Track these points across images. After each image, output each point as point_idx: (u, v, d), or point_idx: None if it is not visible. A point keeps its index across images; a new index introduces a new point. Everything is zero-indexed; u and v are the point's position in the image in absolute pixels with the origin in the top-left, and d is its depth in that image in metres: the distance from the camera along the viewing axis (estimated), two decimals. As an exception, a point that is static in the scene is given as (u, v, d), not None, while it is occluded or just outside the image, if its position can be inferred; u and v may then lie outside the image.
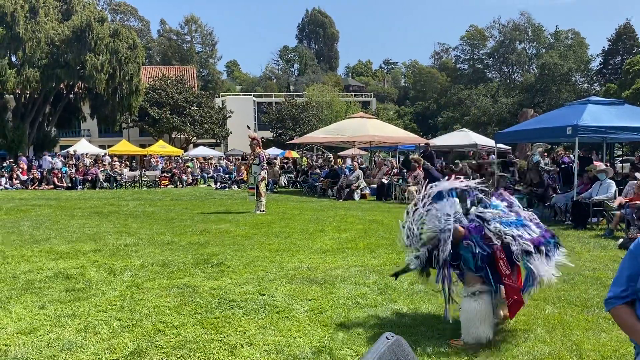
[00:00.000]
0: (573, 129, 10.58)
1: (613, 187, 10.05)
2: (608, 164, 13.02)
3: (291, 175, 23.96)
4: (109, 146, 35.30)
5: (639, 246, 2.32)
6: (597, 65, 59.33)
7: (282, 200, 16.21)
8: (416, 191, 15.31)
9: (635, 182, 9.59)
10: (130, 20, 72.28)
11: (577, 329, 4.10)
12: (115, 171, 22.93)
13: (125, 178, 23.14)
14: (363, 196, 16.79)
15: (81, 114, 34.53)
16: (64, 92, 31.38)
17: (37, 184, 21.84)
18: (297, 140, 27.95)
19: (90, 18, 27.38)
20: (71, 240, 8.31)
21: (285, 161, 28.93)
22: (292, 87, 79.86)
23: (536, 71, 59.66)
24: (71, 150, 29.24)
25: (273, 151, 36.12)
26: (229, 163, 28.50)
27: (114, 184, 22.20)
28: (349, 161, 20.27)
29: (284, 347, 3.78)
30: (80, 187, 21.71)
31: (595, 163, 11.68)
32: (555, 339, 3.89)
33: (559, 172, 13.47)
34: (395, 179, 16.83)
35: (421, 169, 16.52)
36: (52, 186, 21.62)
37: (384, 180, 17.07)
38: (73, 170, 22.93)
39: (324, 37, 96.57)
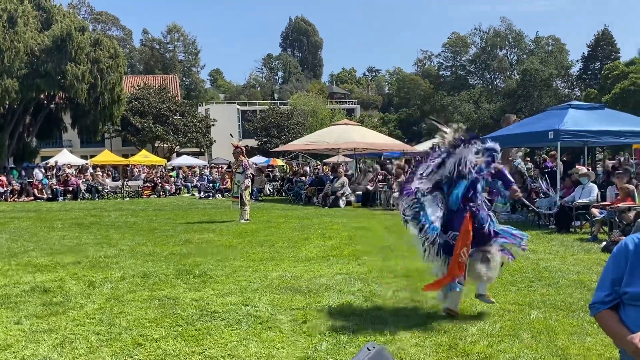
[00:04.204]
0: (555, 134, 10.66)
1: (595, 190, 10.14)
2: (590, 168, 13.14)
3: (276, 183, 23.85)
4: (91, 156, 34.93)
5: (621, 249, 2.30)
6: (578, 71, 60.22)
7: (267, 208, 16.11)
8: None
9: (616, 186, 9.68)
10: (112, 29, 71.86)
11: (563, 334, 4.08)
12: (98, 181, 22.64)
13: (107, 188, 22.85)
14: (348, 203, 16.76)
15: (62, 124, 34.07)
16: (45, 102, 30.98)
17: (16, 195, 21.45)
18: (281, 148, 27.88)
19: (70, 27, 27.07)
20: (50, 252, 8.14)
21: (269, 169, 28.82)
22: (276, 95, 79.95)
23: (518, 77, 60.30)
24: (52, 161, 28.86)
25: (258, 159, 36.00)
26: (214, 171, 28.30)
27: (96, 195, 21.90)
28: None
29: (266, 359, 3.70)
30: (61, 198, 21.38)
31: (577, 167, 11.80)
32: (541, 344, 3.86)
33: (543, 176, 13.53)
34: (381, 186, 16.83)
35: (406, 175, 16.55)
36: (32, 198, 21.26)
37: (369, 187, 17.06)
38: (54, 181, 22.59)
39: (307, 45, 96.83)
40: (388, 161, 21.51)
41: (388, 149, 22.16)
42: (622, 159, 22.51)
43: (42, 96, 29.73)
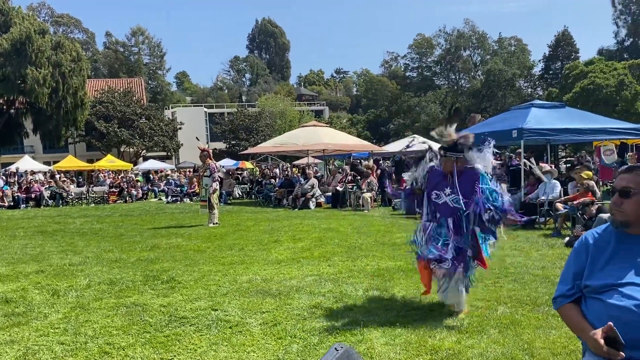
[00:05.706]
0: (518, 132, 10.91)
1: (558, 187, 10.41)
2: (553, 165, 13.48)
3: (245, 186, 23.70)
4: (55, 162, 34.06)
5: (582, 243, 2.36)
6: (539, 71, 61.61)
7: (236, 211, 15.99)
8: (370, 198, 15.42)
9: (576, 181, 9.95)
10: (74, 32, 70.28)
11: (528, 328, 4.16)
12: (62, 188, 22.05)
13: (71, 195, 22.30)
14: (318, 204, 16.77)
15: (23, 129, 33.19)
16: (4, 107, 30.12)
17: (-25, 204, 20.72)
18: (250, 150, 27.72)
19: (30, 30, 26.40)
20: (12, 261, 7.89)
21: (238, 172, 28.62)
22: (244, 97, 79.49)
23: (482, 77, 61.43)
24: (13, 167, 28.03)
25: (226, 162, 35.74)
26: (181, 176, 27.95)
27: (60, 202, 21.35)
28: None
29: (237, 363, 3.66)
30: (24, 205, 20.77)
31: (541, 164, 12.09)
32: (507, 339, 3.94)
33: (507, 174, 13.84)
34: (350, 187, 16.90)
35: (374, 175, 16.67)
36: (-8, 206, 20.57)
37: (339, 188, 17.11)
38: (15, 188, 21.91)
39: (274, 47, 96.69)
40: (357, 162, 21.63)
41: (357, 149, 22.27)
42: (581, 155, 23.18)
43: (1, 101, 28.90)
